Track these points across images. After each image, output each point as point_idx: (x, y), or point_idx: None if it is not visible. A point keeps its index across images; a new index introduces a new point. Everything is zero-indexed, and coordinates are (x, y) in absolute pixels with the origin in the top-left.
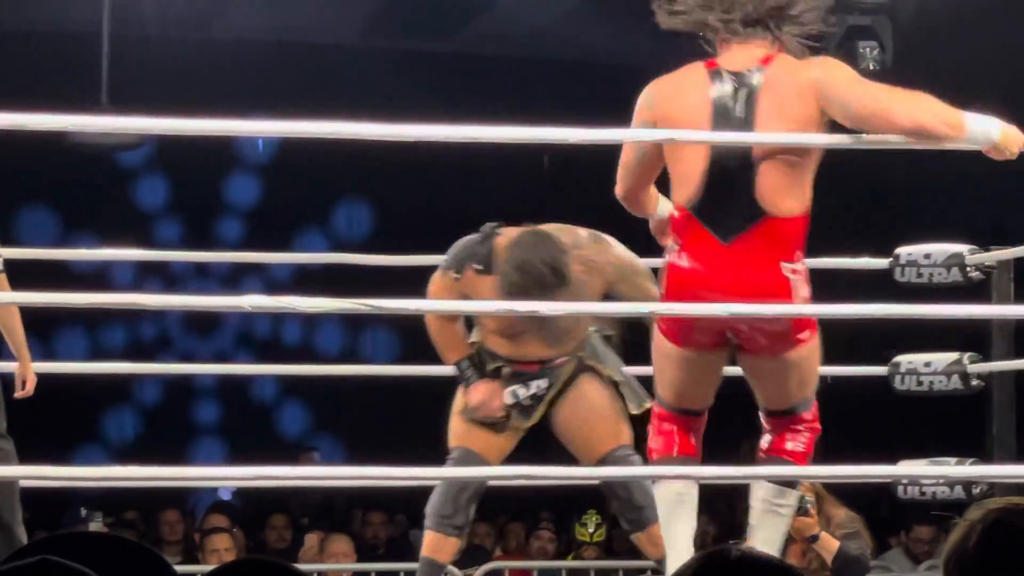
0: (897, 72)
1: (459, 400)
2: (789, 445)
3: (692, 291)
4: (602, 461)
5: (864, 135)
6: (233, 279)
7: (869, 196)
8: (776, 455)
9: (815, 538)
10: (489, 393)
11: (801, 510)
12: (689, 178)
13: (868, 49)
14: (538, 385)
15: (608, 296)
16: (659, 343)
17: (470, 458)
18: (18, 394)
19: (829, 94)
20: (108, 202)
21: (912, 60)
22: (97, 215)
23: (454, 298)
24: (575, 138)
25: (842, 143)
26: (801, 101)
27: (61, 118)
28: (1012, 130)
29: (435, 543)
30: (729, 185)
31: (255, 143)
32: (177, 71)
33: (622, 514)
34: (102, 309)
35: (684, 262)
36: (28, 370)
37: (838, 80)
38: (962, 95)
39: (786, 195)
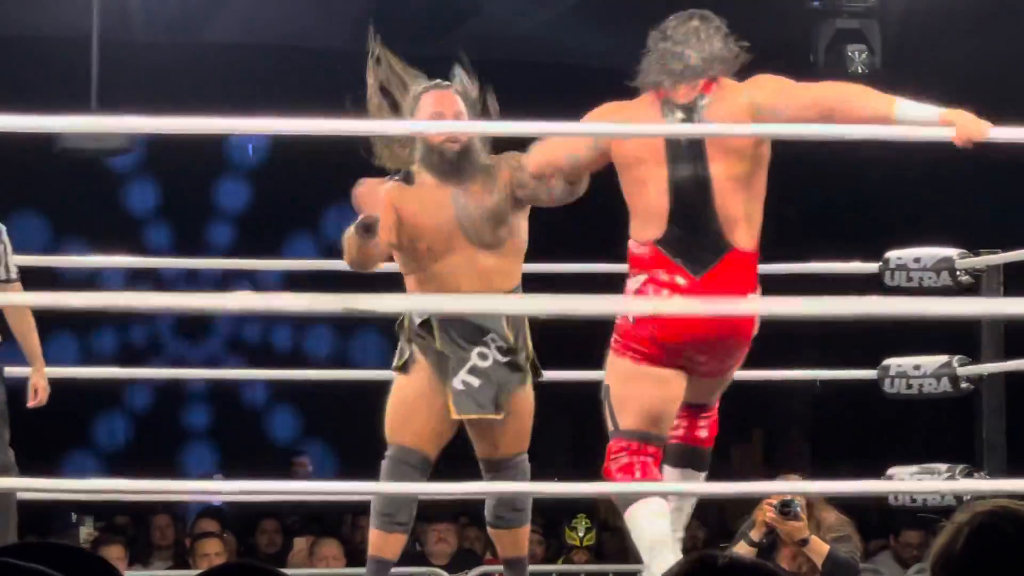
0: (886, 75)
1: (393, 392)
2: (702, 433)
3: (664, 324)
4: (503, 463)
5: (846, 128)
6: (224, 284)
7: (858, 200)
8: (691, 443)
9: (805, 542)
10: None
11: (791, 514)
12: (653, 213)
13: (856, 52)
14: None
15: (531, 198)
16: (627, 367)
17: (404, 454)
18: (31, 403)
19: (764, 112)
20: (98, 207)
21: (901, 63)
22: (87, 220)
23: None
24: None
25: (833, 135)
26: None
27: (50, 119)
28: (958, 112)
29: (379, 541)
30: (694, 219)
31: (245, 148)
32: (167, 75)
33: (498, 511)
34: (93, 314)
35: (654, 296)
36: (42, 379)
37: (767, 95)
38: (951, 97)
39: (745, 228)
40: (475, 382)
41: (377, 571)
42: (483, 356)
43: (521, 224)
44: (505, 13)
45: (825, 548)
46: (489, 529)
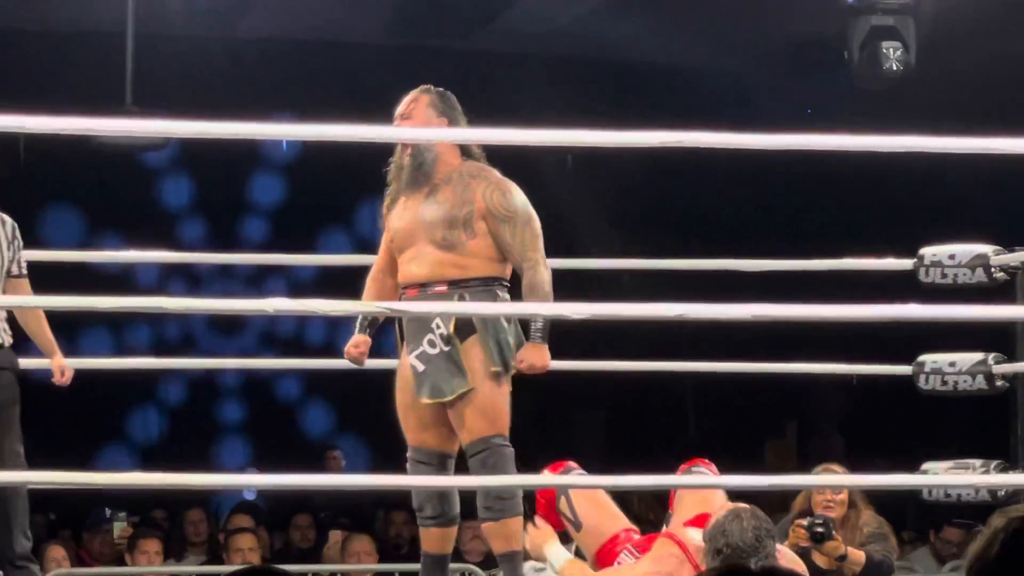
0: (920, 72)
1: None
2: None
3: None
4: (468, 449)
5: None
6: (257, 279)
7: (894, 196)
8: None
9: (843, 557)
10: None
11: (824, 536)
12: None
13: (891, 49)
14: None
15: (494, 235)
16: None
17: (414, 453)
18: (58, 381)
19: None
20: (133, 202)
21: (935, 60)
22: (122, 215)
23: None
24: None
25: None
26: None
27: (87, 121)
28: None
29: (423, 536)
30: None
31: (279, 143)
32: (201, 70)
33: (485, 502)
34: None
35: None
36: (62, 360)
37: None
38: (985, 95)
39: None
40: (420, 366)
41: (424, 564)
42: (432, 343)
43: (498, 233)
44: (539, 7)
45: (862, 556)
46: (481, 525)
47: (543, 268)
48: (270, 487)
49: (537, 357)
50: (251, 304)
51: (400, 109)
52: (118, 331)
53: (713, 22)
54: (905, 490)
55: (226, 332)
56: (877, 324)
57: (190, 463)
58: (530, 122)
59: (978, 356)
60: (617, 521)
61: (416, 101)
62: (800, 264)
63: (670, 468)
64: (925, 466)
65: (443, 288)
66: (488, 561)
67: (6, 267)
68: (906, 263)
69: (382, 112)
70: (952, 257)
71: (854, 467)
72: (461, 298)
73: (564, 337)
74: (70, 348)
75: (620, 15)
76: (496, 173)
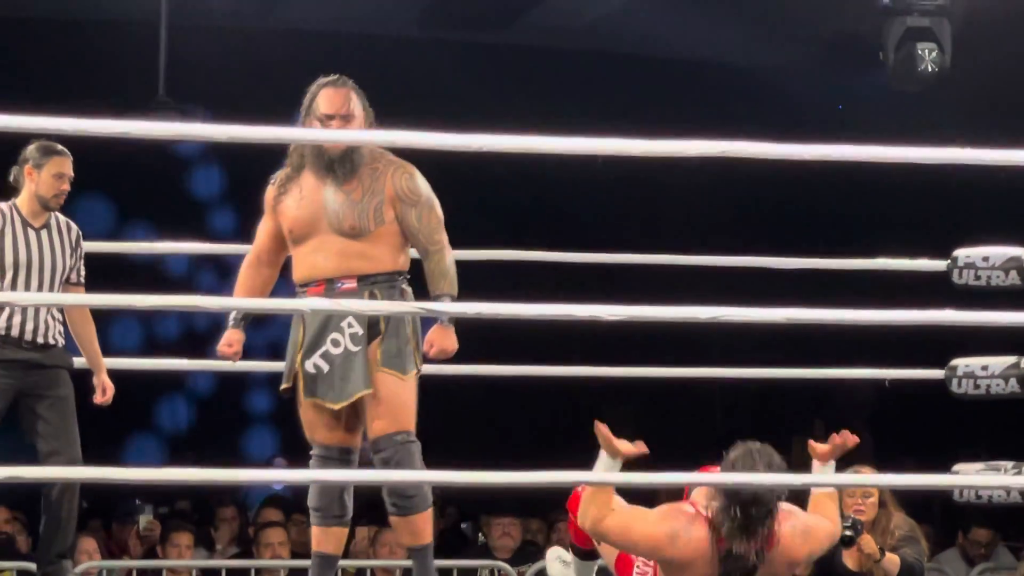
0: (955, 73)
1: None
2: None
3: None
4: (375, 444)
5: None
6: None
7: (927, 198)
8: None
9: (879, 559)
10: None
11: (855, 539)
12: None
13: (926, 51)
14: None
15: (401, 220)
16: None
17: (314, 450)
18: (98, 400)
19: None
20: (164, 192)
21: (970, 61)
22: (153, 205)
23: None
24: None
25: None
26: None
27: (121, 123)
28: None
29: (318, 536)
30: None
31: None
32: (234, 62)
33: (391, 499)
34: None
35: None
36: (107, 379)
37: None
38: (1020, 96)
39: None
40: (324, 366)
41: (322, 565)
42: (335, 343)
43: (404, 217)
44: (569, 2)
45: (897, 560)
46: (390, 519)
47: (448, 251)
48: (298, 482)
49: (448, 341)
50: (287, 303)
51: (339, 108)
52: (148, 322)
53: (749, 20)
54: (934, 491)
55: (255, 322)
56: (909, 328)
57: (218, 453)
58: (562, 118)
59: (1011, 359)
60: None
61: (349, 98)
62: (833, 263)
63: (696, 463)
64: (956, 467)
65: (352, 284)
66: (516, 557)
67: (65, 273)
68: (939, 264)
69: (413, 106)
70: (986, 259)
71: (883, 467)
72: (371, 295)
73: (594, 334)
74: (100, 338)
75: (652, 11)
76: (392, 155)
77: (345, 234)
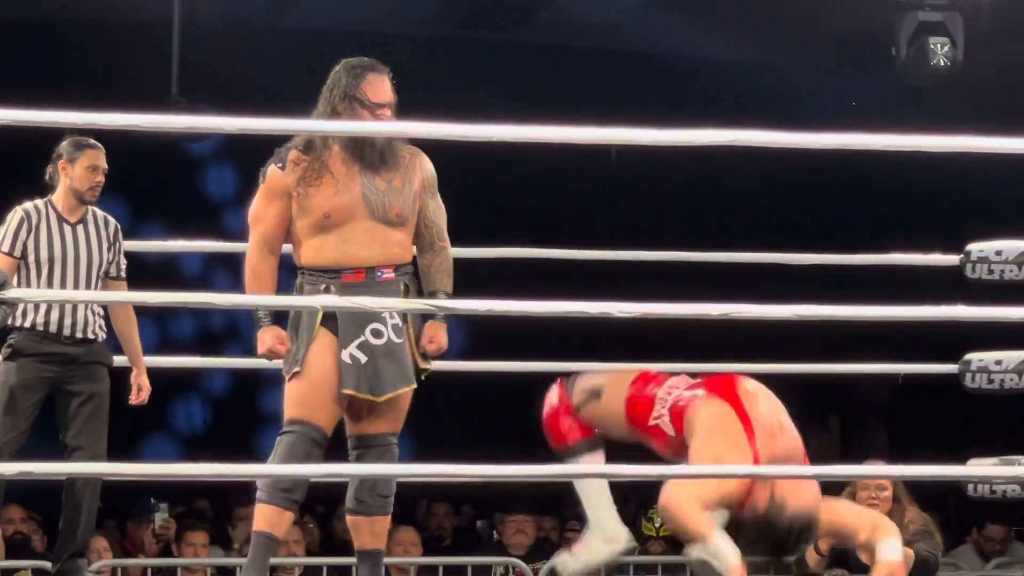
0: (967, 68)
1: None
2: None
3: None
4: (375, 439)
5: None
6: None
7: (940, 193)
8: None
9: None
10: (275, 339)
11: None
12: None
13: (938, 45)
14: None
15: (422, 210)
16: None
17: (306, 429)
18: (133, 400)
19: None
20: (177, 191)
21: (983, 56)
22: (166, 204)
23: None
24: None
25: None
26: None
27: (133, 117)
28: None
29: (272, 516)
30: None
31: None
32: (247, 62)
33: (360, 495)
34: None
35: None
36: (144, 379)
37: None
38: None
39: None
40: (362, 358)
41: (267, 547)
42: (377, 333)
43: (425, 208)
44: (584, 1)
45: (911, 554)
46: (348, 517)
47: (449, 249)
48: (318, 476)
49: (445, 337)
50: (300, 301)
51: (389, 97)
52: (162, 321)
53: (761, 17)
54: (948, 486)
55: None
56: (923, 322)
57: (234, 452)
58: (575, 115)
59: None
60: (629, 374)
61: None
62: (846, 259)
63: None
64: (970, 462)
65: (391, 274)
66: (531, 555)
67: (104, 268)
68: (952, 259)
69: (427, 104)
70: (999, 253)
71: (897, 462)
72: (406, 286)
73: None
74: (114, 338)
75: (666, 9)
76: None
77: (390, 223)
